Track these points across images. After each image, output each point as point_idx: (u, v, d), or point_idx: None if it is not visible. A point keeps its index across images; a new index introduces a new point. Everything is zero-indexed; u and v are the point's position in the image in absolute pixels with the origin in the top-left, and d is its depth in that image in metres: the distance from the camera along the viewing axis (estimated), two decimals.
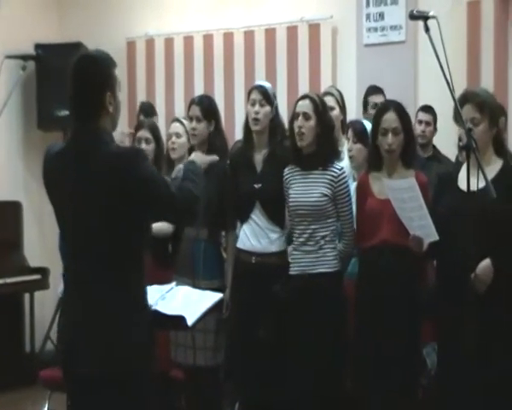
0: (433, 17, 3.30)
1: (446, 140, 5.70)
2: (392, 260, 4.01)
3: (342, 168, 4.29)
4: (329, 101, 4.81)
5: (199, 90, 6.66)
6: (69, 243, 2.93)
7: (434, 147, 5.98)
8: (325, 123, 4.27)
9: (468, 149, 3.30)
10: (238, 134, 5.32)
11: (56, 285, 5.75)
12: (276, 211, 4.45)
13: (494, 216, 3.53)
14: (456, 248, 3.54)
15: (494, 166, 3.72)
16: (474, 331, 3.33)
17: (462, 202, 3.42)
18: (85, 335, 2.81)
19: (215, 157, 3.81)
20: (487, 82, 5.81)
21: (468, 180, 3.27)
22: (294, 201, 4.28)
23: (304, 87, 6.48)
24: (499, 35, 6.01)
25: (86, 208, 2.81)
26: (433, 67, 3.30)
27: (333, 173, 4.23)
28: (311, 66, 6.66)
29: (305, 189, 4.26)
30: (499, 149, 3.81)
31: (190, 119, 4.66)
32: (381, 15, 6.45)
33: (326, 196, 4.20)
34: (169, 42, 7.23)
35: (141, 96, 7.19)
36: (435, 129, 5.93)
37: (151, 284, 3.06)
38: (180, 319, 2.92)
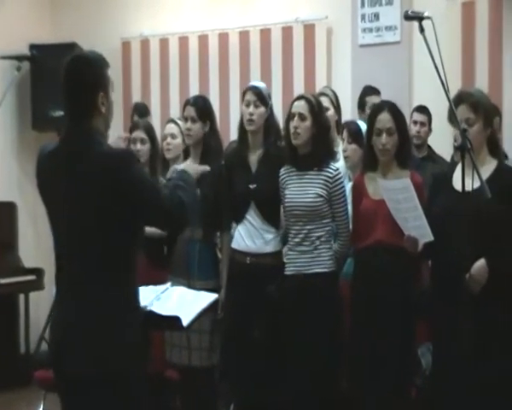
0: (428, 18, 3.30)
1: (441, 140, 5.72)
2: (386, 261, 4.01)
3: (337, 169, 4.29)
4: (324, 101, 4.80)
5: (194, 91, 6.66)
6: (62, 243, 2.93)
7: (429, 147, 5.99)
8: (321, 124, 4.27)
9: (462, 149, 3.30)
10: (233, 134, 5.32)
11: (51, 286, 5.72)
12: (271, 211, 4.44)
13: (489, 216, 3.54)
14: (451, 249, 3.54)
15: (489, 167, 3.73)
16: (468, 331, 3.33)
17: (457, 202, 3.42)
18: (78, 335, 2.81)
19: (206, 167, 3.81)
20: (482, 82, 5.82)
21: (463, 180, 3.27)
22: (290, 201, 4.28)
23: (299, 87, 6.48)
24: (494, 35, 6.02)
25: (79, 209, 2.80)
26: (428, 67, 3.30)
27: (328, 174, 4.23)
28: (306, 66, 6.66)
29: (300, 189, 4.26)
30: (494, 149, 3.81)
31: (185, 119, 4.65)
32: (376, 16, 6.46)
33: (321, 196, 4.21)
34: (164, 42, 7.23)
35: (136, 97, 7.19)
36: (430, 129, 5.94)
37: (146, 284, 3.07)
38: (175, 320, 2.92)
